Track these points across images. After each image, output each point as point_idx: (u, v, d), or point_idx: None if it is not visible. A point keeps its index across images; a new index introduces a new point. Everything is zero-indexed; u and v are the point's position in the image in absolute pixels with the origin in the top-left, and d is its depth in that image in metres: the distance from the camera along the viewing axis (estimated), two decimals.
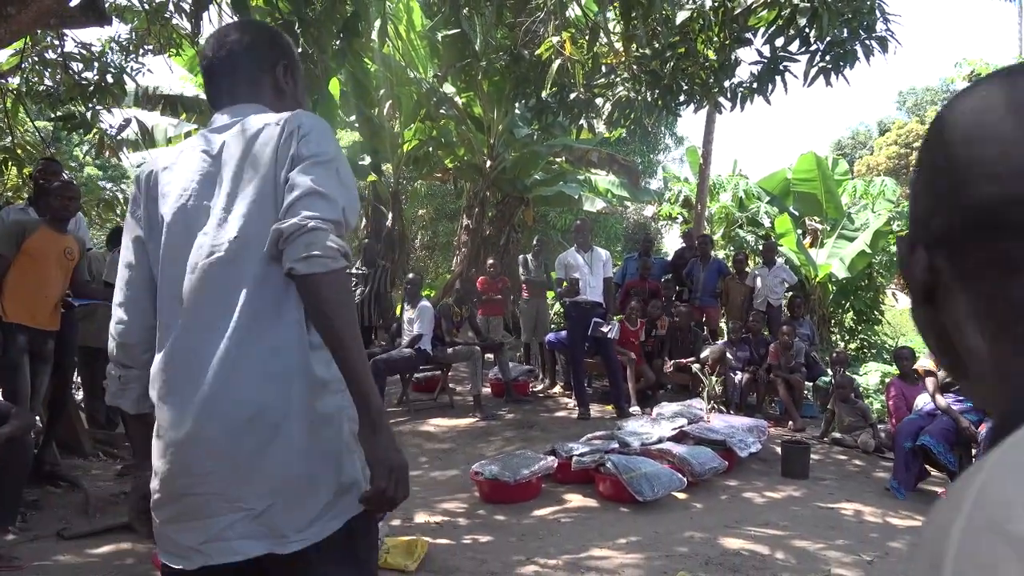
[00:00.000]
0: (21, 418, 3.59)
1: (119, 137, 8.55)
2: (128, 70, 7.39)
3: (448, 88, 12.38)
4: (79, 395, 6.61)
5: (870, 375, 10.31)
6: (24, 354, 4.32)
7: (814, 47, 5.87)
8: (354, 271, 8.63)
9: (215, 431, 1.34)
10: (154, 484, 1.42)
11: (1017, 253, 0.49)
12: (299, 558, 1.35)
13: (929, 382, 5.67)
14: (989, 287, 0.51)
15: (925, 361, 5.79)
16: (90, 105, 7.22)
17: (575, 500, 4.91)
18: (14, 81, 7.57)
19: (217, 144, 1.45)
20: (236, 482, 1.34)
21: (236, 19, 5.87)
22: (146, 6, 6.57)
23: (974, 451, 5.23)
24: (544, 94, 7.34)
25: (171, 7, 6.40)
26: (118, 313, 1.52)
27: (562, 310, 9.14)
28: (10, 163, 8.08)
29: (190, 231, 1.41)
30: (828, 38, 5.75)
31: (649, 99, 6.86)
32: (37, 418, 4.70)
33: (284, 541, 1.34)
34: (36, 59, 7.22)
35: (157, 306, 1.47)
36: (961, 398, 5.36)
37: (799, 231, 12.99)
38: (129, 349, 1.51)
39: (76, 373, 6.91)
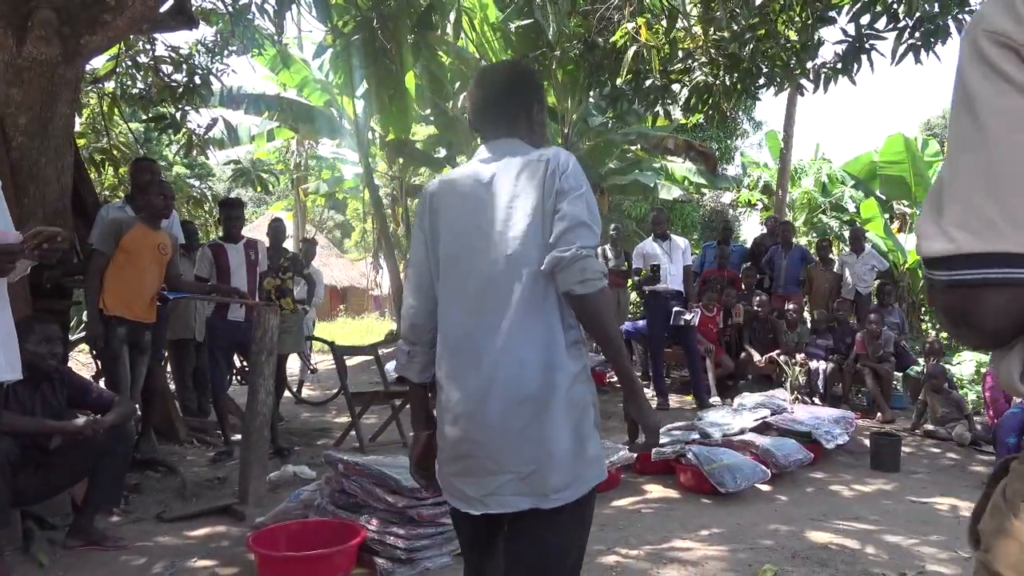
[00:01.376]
0: (124, 406, 3.77)
1: (206, 136, 8.86)
2: (214, 71, 7.64)
3: None
4: (172, 386, 6.91)
5: (964, 364, 9.85)
6: (124, 345, 4.54)
7: (903, 23, 5.62)
8: None
9: (493, 409, 1.68)
10: (441, 444, 1.80)
11: None
12: (550, 513, 1.69)
13: None
14: None
15: None
16: (179, 106, 7.51)
17: (655, 491, 4.87)
18: (109, 85, 7.94)
19: (488, 174, 1.79)
20: (507, 451, 1.68)
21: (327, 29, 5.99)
22: (230, 8, 6.79)
23: None
24: (619, 82, 7.26)
25: (254, 8, 6.59)
26: (409, 300, 1.90)
27: (640, 299, 9.05)
28: (107, 163, 8.48)
29: (461, 242, 1.78)
30: (918, 13, 5.50)
31: (728, 83, 6.70)
32: (136, 406, 4.93)
33: (545, 499, 1.67)
34: (129, 63, 7.55)
35: (439, 299, 1.82)
36: None
37: (886, 216, 12.52)
38: (418, 329, 1.88)
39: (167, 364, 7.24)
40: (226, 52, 7.84)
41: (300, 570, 3.19)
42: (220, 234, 5.97)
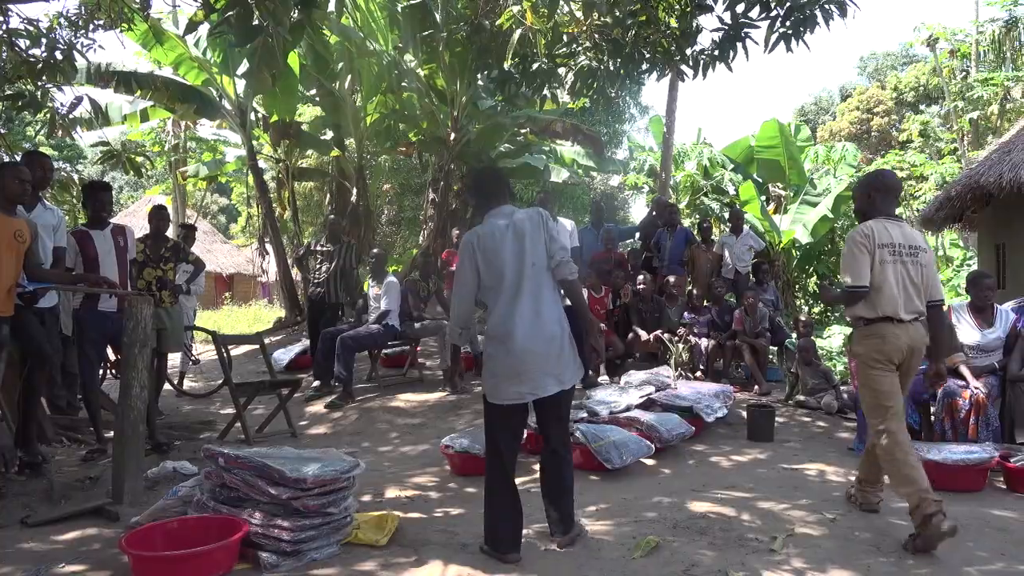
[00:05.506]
0: None
1: (71, 116, 8.30)
2: (78, 46, 7.14)
3: (409, 59, 12.20)
4: None
5: (833, 338, 10.49)
6: None
7: (774, 12, 5.86)
8: (319, 248, 8.53)
9: (539, 344, 3.27)
10: (502, 369, 3.31)
11: None
12: (567, 391, 3.40)
13: None
14: None
15: None
16: (39, 83, 6.98)
17: None
18: None
19: (506, 225, 3.36)
20: (547, 364, 3.29)
21: None
22: None
23: (932, 409, 5.35)
24: (506, 65, 7.26)
25: None
26: (461, 304, 3.45)
27: None
28: None
29: (504, 260, 3.32)
30: (788, 3, 5.74)
31: (611, 68, 6.82)
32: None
33: (564, 385, 3.35)
34: None
35: (500, 295, 3.33)
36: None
37: (763, 198, 13.10)
38: (470, 319, 3.53)
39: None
40: (91, 26, 7.33)
41: (178, 570, 3.06)
42: (83, 221, 5.61)
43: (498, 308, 3.32)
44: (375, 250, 8.46)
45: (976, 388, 5.07)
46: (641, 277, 8.36)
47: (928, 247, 3.92)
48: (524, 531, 3.69)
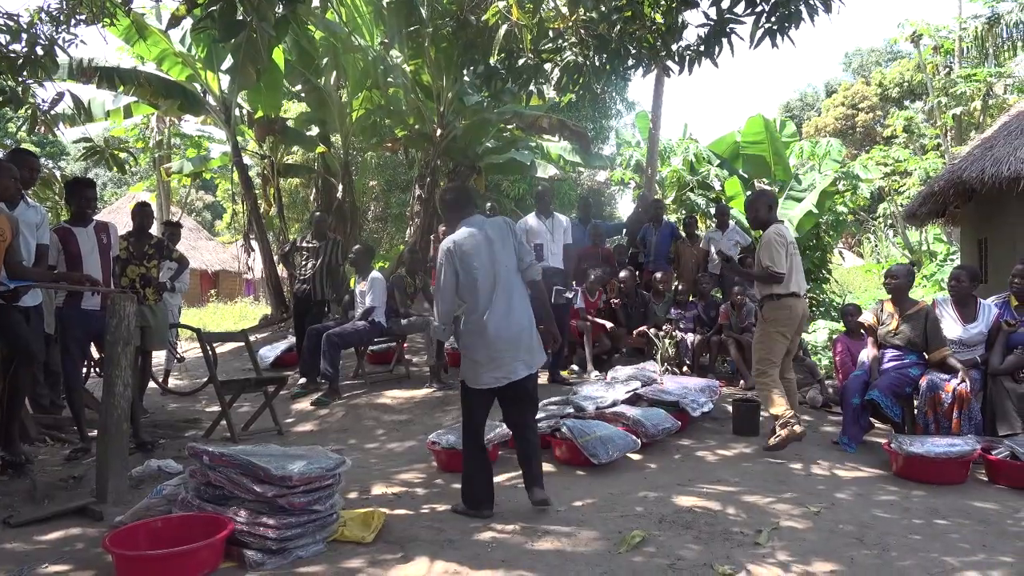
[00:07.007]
0: None
1: (53, 112, 8.22)
2: (60, 41, 7.06)
3: (395, 55, 12.14)
4: None
5: (818, 332, 10.54)
6: None
7: (760, 8, 5.87)
8: (305, 245, 8.50)
9: (513, 334, 3.84)
10: (481, 358, 3.82)
11: None
12: (535, 374, 4.00)
13: (869, 340, 5.82)
14: None
15: (867, 315, 5.91)
16: (20, 79, 6.90)
17: None
18: None
19: (481, 231, 3.89)
20: (520, 351, 3.86)
21: None
22: None
23: (915, 402, 5.40)
24: (492, 60, 7.24)
25: None
26: (446, 304, 3.89)
27: None
28: None
29: (483, 263, 3.82)
30: None
31: (597, 63, 6.81)
32: None
33: (533, 368, 3.94)
34: None
35: (477, 294, 3.81)
36: (900, 353, 5.51)
37: (748, 193, 13.13)
38: (452, 316, 3.91)
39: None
40: (73, 21, 7.26)
41: (162, 569, 3.04)
42: (66, 217, 5.56)
43: (475, 305, 3.83)
44: (356, 246, 8.41)
45: (961, 382, 5.11)
46: (623, 274, 8.37)
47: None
48: (510, 527, 3.71)
